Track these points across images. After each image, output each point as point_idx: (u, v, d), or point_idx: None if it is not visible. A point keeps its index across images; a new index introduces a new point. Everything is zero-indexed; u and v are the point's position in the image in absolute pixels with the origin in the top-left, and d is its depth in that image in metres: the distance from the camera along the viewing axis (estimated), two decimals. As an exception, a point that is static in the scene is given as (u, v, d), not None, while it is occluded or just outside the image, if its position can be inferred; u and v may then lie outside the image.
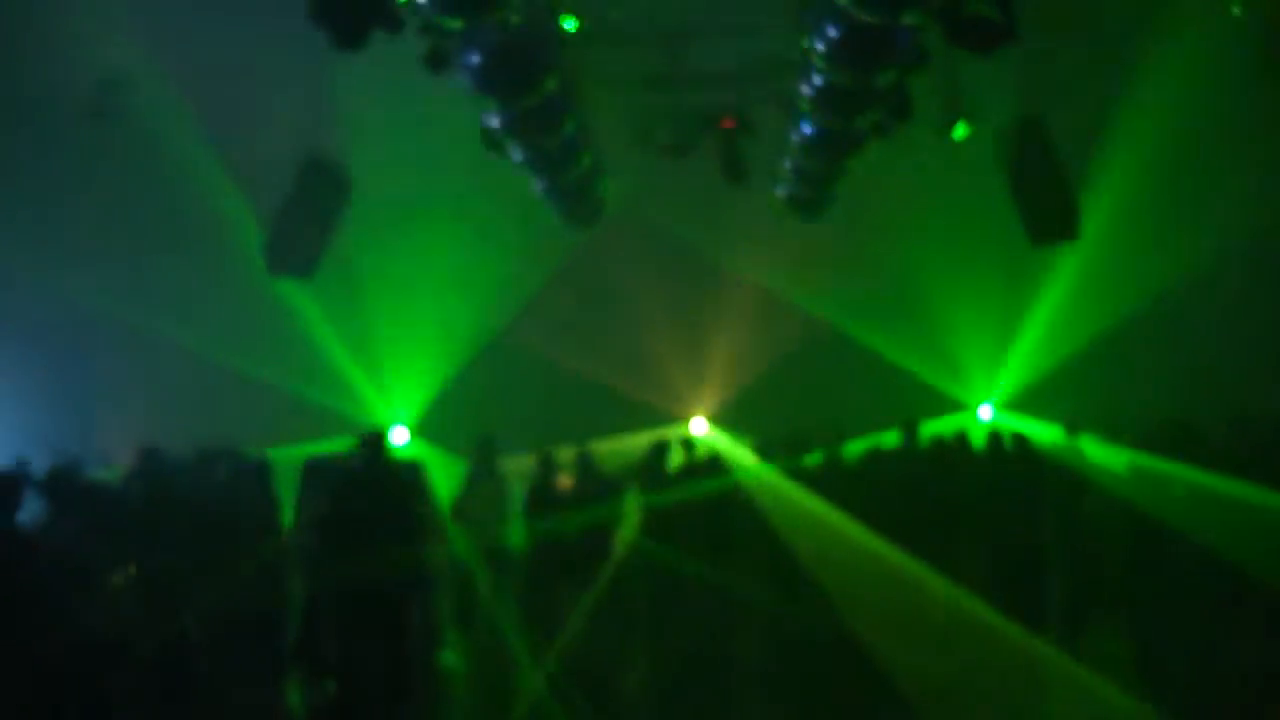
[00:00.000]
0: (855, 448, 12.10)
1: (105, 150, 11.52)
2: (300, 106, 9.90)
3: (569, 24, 8.96)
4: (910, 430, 12.28)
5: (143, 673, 8.35)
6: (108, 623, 7.26)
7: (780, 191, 12.02)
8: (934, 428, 13.22)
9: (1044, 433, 13.10)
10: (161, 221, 12.93)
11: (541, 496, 10.82)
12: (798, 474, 11.61)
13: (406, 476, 10.83)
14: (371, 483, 9.51)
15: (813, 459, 11.64)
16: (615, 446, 12.69)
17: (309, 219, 10.47)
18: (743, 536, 10.42)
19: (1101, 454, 12.14)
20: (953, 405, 15.59)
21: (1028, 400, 15.32)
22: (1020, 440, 11.94)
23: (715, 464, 11.38)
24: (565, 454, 11.10)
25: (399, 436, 15.30)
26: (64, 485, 8.44)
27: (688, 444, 11.79)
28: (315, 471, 10.36)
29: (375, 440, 9.74)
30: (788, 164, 11.17)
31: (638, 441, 12.60)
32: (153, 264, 13.38)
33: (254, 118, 10.87)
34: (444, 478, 11.82)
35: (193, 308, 13.84)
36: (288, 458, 10.65)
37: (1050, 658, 10.32)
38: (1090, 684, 9.51)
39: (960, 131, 11.06)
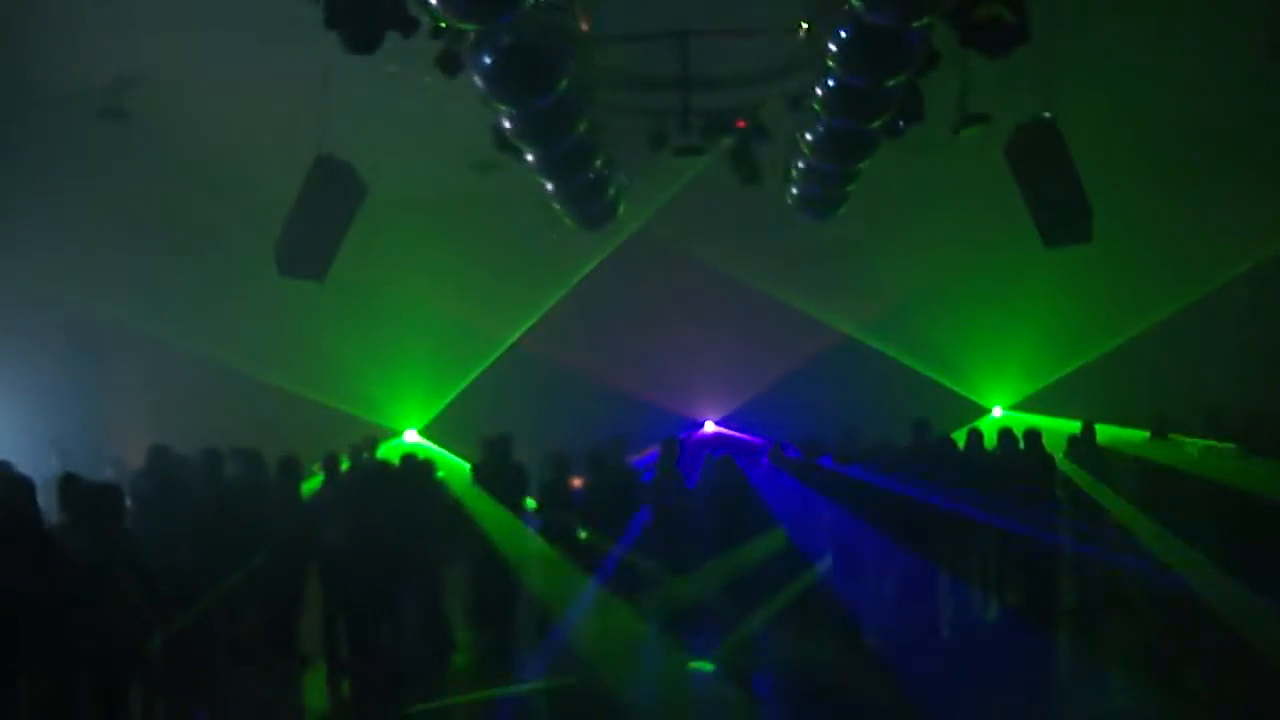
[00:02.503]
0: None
1: (117, 149, 11.48)
2: (313, 107, 9.91)
3: None
4: (922, 430, 12.34)
5: (155, 669, 8.41)
6: (121, 620, 7.28)
7: (792, 191, 12.00)
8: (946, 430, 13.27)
9: (1058, 429, 13.07)
10: (174, 222, 12.98)
11: (553, 495, 11.00)
12: (807, 473, 11.73)
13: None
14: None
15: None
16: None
17: (321, 220, 10.44)
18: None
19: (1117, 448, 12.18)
20: (966, 408, 15.60)
21: (1041, 402, 15.33)
22: (1032, 437, 11.98)
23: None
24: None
25: (408, 439, 15.38)
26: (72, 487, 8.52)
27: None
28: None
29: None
30: (800, 164, 11.15)
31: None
32: (165, 266, 13.42)
33: (266, 117, 10.86)
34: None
35: (205, 310, 13.90)
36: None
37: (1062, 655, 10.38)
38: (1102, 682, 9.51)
39: (970, 132, 11.04)
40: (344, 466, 11.07)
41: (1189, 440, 12.25)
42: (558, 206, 11.74)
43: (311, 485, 10.54)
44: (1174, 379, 13.78)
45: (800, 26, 9.38)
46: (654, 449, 11.96)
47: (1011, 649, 10.20)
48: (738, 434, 15.70)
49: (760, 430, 15.29)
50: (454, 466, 13.57)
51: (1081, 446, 12.20)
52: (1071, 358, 15.12)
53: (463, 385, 15.51)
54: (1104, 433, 12.59)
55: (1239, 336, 14.03)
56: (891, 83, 8.59)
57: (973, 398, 15.88)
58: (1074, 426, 12.69)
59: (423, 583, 10.72)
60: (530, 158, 10.25)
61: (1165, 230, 13.61)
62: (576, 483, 11.15)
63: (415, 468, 11.24)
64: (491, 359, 15.46)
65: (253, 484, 10.15)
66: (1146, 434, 12.59)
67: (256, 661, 9.48)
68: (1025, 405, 15.62)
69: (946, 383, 15.73)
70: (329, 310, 13.68)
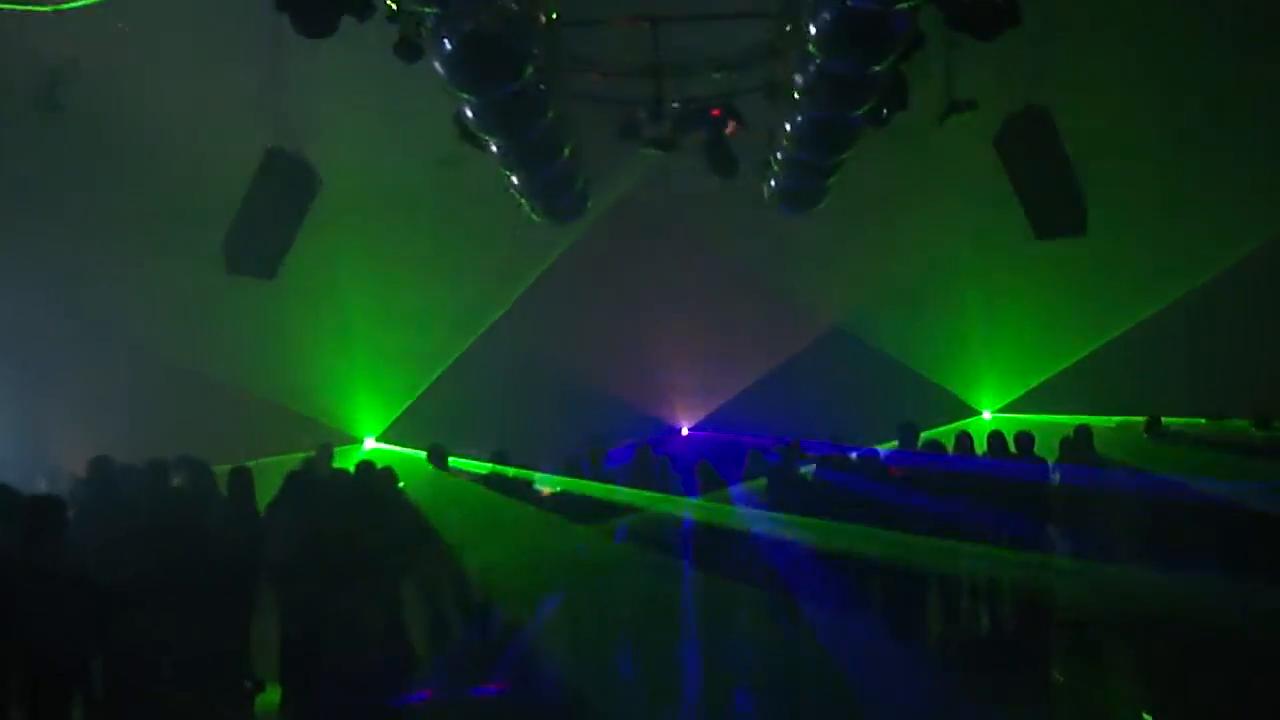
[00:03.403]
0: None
1: (55, 144, 11.10)
2: (262, 97, 9.61)
3: None
4: (908, 433, 12.06)
5: (96, 689, 8.10)
6: (61, 637, 6.97)
7: (771, 184, 11.67)
8: (935, 431, 13.11)
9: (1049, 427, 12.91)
10: (115, 217, 12.48)
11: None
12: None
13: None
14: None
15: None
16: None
17: (271, 216, 10.11)
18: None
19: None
20: (954, 406, 15.39)
21: (1031, 402, 15.19)
22: (1024, 441, 11.68)
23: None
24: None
25: (368, 445, 15.01)
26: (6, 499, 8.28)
27: None
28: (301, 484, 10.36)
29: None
30: (779, 156, 10.82)
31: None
32: (107, 263, 12.91)
33: (215, 108, 10.52)
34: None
35: (150, 309, 13.39)
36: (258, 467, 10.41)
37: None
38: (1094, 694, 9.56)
39: (957, 119, 10.80)
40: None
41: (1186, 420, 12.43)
42: (524, 199, 11.35)
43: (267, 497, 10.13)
44: (1168, 375, 13.62)
45: (779, 10, 9.14)
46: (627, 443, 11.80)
47: (999, 662, 10.20)
48: (715, 434, 15.40)
49: (740, 430, 15.01)
50: (416, 461, 13.18)
51: (1075, 450, 11.84)
52: (1062, 355, 15.03)
53: (424, 387, 15.14)
54: (1097, 427, 12.40)
55: (1234, 331, 13.87)
56: (876, 68, 8.31)
57: (961, 395, 15.67)
58: (1065, 424, 12.49)
59: (381, 597, 10.34)
60: (494, 149, 9.92)
61: (1156, 224, 13.36)
62: (546, 492, 10.93)
63: (373, 477, 10.83)
64: (452, 360, 15.07)
65: (200, 495, 9.81)
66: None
67: (206, 683, 9.05)
68: (1016, 406, 15.48)
69: (934, 379, 15.52)
70: (284, 310, 13.22)
